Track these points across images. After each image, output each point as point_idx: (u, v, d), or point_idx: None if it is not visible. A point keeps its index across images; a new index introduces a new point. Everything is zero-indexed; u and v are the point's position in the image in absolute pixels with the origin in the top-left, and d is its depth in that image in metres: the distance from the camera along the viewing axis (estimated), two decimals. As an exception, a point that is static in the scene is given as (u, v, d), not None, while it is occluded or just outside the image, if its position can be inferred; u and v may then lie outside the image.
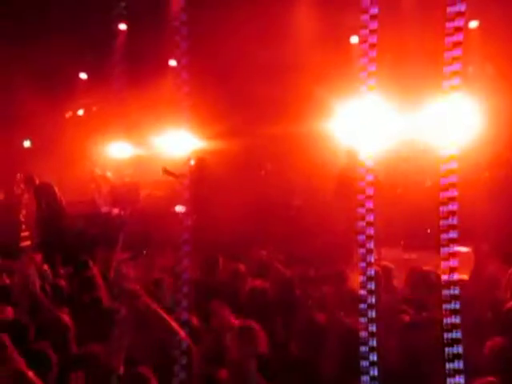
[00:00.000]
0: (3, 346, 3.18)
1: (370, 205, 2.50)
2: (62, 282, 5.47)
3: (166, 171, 9.38)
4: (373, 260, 2.50)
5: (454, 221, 2.25)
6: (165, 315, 3.49)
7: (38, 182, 9.50)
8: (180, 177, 8.93)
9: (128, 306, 3.58)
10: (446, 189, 2.30)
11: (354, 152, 8.05)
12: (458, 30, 2.42)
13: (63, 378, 3.41)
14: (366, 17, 2.63)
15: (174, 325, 3.43)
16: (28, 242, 9.36)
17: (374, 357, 2.36)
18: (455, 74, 2.40)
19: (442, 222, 2.27)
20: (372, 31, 2.62)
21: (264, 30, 10.61)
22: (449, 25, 2.41)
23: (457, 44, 2.41)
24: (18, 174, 11.11)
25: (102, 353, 3.39)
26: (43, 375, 3.31)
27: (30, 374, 3.14)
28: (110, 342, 3.44)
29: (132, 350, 3.44)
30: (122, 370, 3.37)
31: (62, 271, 6.14)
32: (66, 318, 4.07)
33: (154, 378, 3.21)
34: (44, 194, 9.23)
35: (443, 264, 2.25)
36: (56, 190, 9.46)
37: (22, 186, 10.52)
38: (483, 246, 5.23)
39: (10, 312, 4.65)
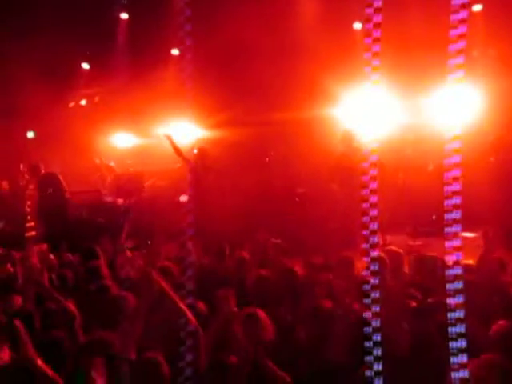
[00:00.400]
0: (18, 332, 3.20)
1: (373, 186, 2.50)
2: (68, 272, 5.49)
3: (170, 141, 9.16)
4: (376, 241, 2.50)
5: (458, 200, 2.24)
6: (177, 298, 3.51)
7: (43, 171, 9.53)
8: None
9: (143, 289, 3.60)
10: (450, 169, 2.29)
11: (349, 134, 7.99)
12: (462, 22, 2.41)
13: (74, 365, 3.43)
14: (370, 10, 2.62)
15: (184, 308, 3.45)
16: (33, 233, 9.38)
17: (377, 337, 2.37)
18: (459, 66, 2.39)
19: (446, 202, 2.26)
20: (376, 24, 2.61)
21: (267, 16, 10.55)
22: (453, 17, 2.40)
23: (461, 36, 2.40)
24: (22, 165, 11.13)
25: (113, 339, 3.40)
26: (55, 363, 3.33)
27: (39, 361, 3.16)
28: (121, 328, 3.46)
29: (144, 336, 3.46)
30: (133, 355, 3.39)
31: (67, 260, 6.15)
32: (72, 307, 4.08)
33: (165, 363, 3.23)
34: (49, 183, 9.27)
35: (447, 244, 2.25)
36: (61, 179, 9.50)
37: (26, 176, 10.55)
38: (490, 231, 5.21)
39: (18, 300, 4.69)
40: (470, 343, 2.20)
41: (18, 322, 3.25)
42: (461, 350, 2.21)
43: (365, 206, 2.59)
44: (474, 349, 2.29)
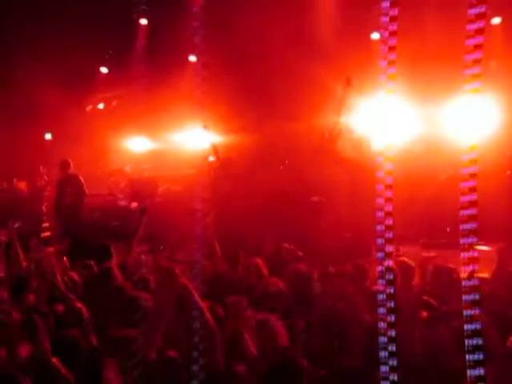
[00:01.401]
0: (36, 328, 3.24)
1: (389, 194, 2.49)
2: (77, 274, 5.54)
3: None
4: (391, 250, 2.48)
5: (473, 211, 2.23)
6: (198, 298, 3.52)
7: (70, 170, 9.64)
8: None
9: (163, 287, 3.61)
10: (466, 179, 2.28)
11: (360, 142, 8.07)
12: (478, 32, 2.39)
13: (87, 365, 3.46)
14: (385, 18, 2.62)
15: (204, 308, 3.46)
16: (48, 233, 9.49)
17: (392, 347, 2.35)
18: (476, 76, 2.38)
19: (461, 212, 2.24)
20: (392, 33, 2.61)
21: (284, 24, 10.58)
22: (469, 27, 2.39)
23: (478, 47, 2.38)
24: (42, 167, 11.27)
25: (134, 338, 3.42)
26: (72, 362, 3.36)
27: (55, 360, 3.19)
28: (140, 327, 3.47)
29: (164, 336, 3.47)
30: (153, 355, 3.40)
31: (80, 263, 6.20)
32: (82, 307, 4.12)
33: (183, 363, 3.23)
34: (70, 184, 9.38)
35: (463, 255, 2.23)
36: (82, 181, 9.62)
37: (45, 177, 10.68)
38: (506, 245, 5.16)
39: (31, 299, 4.74)
40: (486, 355, 2.17)
41: (36, 318, 3.28)
42: (478, 363, 2.18)
43: (380, 214, 2.58)
44: (490, 361, 2.27)
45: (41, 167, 11.16)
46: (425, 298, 4.26)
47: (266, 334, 3.58)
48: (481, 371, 2.13)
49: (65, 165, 9.68)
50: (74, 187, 9.40)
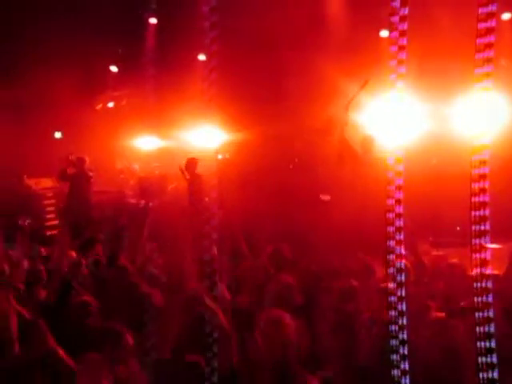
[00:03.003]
0: (40, 329, 3.26)
1: (399, 195, 2.48)
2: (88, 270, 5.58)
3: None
4: (402, 252, 2.47)
5: (485, 212, 2.21)
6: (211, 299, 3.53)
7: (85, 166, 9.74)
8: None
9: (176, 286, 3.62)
10: (477, 180, 2.26)
11: (369, 140, 8.09)
12: (489, 31, 2.37)
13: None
14: (395, 18, 2.60)
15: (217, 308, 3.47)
16: (57, 230, 9.54)
17: (404, 350, 2.34)
18: (487, 75, 2.36)
19: (473, 214, 2.23)
20: (402, 32, 2.59)
21: (292, 24, 10.57)
22: (480, 25, 2.37)
23: (489, 45, 2.36)
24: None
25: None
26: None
27: (61, 352, 3.21)
28: (154, 326, 3.49)
29: (178, 335, 3.49)
30: (168, 355, 3.42)
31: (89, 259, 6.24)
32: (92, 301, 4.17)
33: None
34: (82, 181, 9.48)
35: (474, 256, 2.22)
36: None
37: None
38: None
39: (43, 294, 4.79)
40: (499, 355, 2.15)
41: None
42: (490, 366, 2.16)
43: (390, 216, 2.57)
44: (503, 362, 2.25)
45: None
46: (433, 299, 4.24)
47: (279, 331, 3.55)
48: (494, 374, 2.11)
49: (81, 161, 9.78)
50: (84, 185, 9.52)
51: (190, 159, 10.00)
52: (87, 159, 9.97)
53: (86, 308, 4.07)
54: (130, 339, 3.42)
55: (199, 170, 10.22)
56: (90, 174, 9.93)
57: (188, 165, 9.93)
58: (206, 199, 9.09)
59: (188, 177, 9.82)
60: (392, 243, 2.46)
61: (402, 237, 2.45)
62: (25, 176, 11.55)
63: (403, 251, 2.47)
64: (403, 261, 2.48)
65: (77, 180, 9.72)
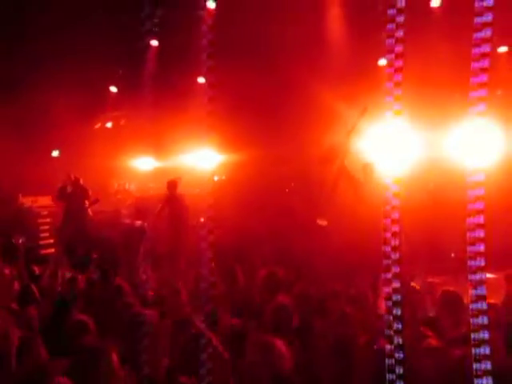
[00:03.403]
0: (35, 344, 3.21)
1: (395, 216, 2.49)
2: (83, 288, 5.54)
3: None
4: (398, 272, 2.47)
5: (481, 234, 2.22)
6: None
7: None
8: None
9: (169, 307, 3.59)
10: (472, 201, 2.27)
11: (371, 167, 8.14)
12: (484, 55, 2.42)
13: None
14: (391, 40, 2.64)
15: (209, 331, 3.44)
16: (52, 250, 9.49)
17: (400, 370, 2.32)
18: (481, 99, 2.39)
19: (468, 235, 2.24)
20: (398, 55, 2.63)
21: (293, 49, 10.71)
22: (475, 50, 2.41)
23: (483, 70, 2.40)
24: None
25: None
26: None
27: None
28: (147, 345, 3.46)
29: (170, 356, 3.45)
30: (162, 375, 3.38)
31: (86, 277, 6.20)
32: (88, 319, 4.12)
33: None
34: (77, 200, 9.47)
35: (470, 277, 2.22)
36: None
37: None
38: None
39: (34, 312, 4.74)
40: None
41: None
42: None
43: (386, 235, 2.58)
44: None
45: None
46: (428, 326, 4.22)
47: (270, 357, 3.51)
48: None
49: (77, 181, 9.79)
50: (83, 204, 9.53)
51: (171, 180, 10.13)
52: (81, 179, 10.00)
53: (82, 327, 4.03)
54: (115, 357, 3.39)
55: (189, 190, 10.31)
56: (88, 191, 9.89)
57: (169, 186, 10.04)
58: (201, 219, 9.10)
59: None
60: (388, 262, 2.47)
61: (397, 256, 2.45)
62: (20, 194, 11.53)
63: (398, 270, 2.47)
64: (398, 282, 2.47)
65: (74, 199, 9.70)
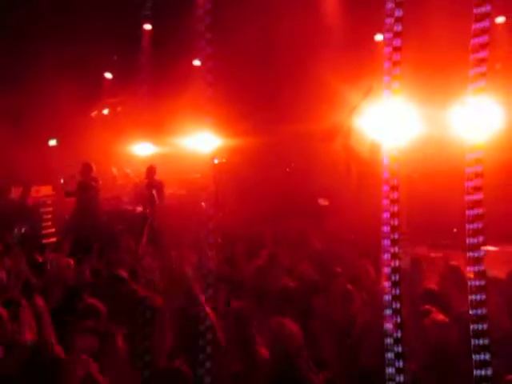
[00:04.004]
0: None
1: (394, 195, 2.48)
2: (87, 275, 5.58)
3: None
4: (398, 251, 2.47)
5: (479, 211, 2.21)
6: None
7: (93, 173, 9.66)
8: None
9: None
10: (471, 178, 2.26)
11: (377, 144, 8.08)
12: (484, 31, 2.39)
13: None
14: (390, 20, 2.61)
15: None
16: (53, 239, 9.51)
17: (399, 349, 2.33)
18: (481, 75, 2.37)
19: (467, 212, 2.23)
20: (396, 34, 2.60)
21: (287, 29, 10.60)
22: (475, 26, 2.39)
23: (483, 46, 2.38)
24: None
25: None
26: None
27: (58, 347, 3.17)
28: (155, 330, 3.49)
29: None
30: (163, 363, 3.41)
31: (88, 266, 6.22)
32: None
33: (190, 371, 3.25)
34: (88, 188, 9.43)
35: (469, 254, 2.22)
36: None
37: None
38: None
39: (40, 302, 4.75)
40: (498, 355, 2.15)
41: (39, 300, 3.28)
42: (484, 363, 2.16)
43: (385, 215, 2.57)
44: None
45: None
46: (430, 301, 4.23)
47: (281, 336, 3.55)
48: (487, 372, 2.11)
49: (86, 168, 9.59)
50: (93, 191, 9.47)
51: (149, 166, 10.19)
52: (94, 166, 9.73)
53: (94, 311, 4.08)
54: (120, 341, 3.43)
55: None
56: (95, 184, 9.65)
57: (148, 172, 10.10)
58: (203, 204, 9.12)
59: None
60: (387, 242, 2.46)
61: (396, 236, 2.45)
62: (12, 187, 11.50)
63: (398, 250, 2.47)
64: (397, 260, 2.48)
65: (82, 193, 9.47)
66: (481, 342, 2.13)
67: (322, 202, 10.30)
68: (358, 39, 10.65)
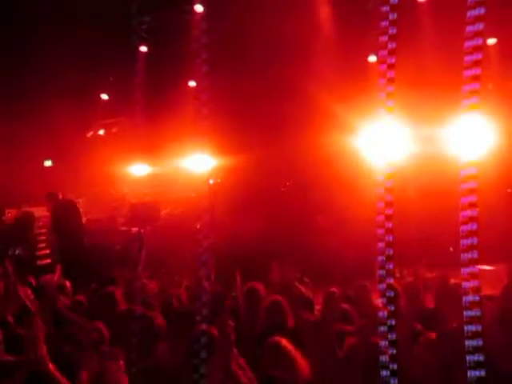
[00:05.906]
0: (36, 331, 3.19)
1: (389, 212, 2.48)
2: (82, 298, 5.51)
3: None
4: (392, 268, 2.46)
5: (474, 226, 2.22)
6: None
7: (60, 198, 9.58)
8: None
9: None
10: (465, 194, 2.27)
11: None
12: (476, 49, 2.42)
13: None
14: (384, 37, 2.64)
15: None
16: (48, 260, 9.44)
17: (393, 366, 2.31)
18: (474, 92, 2.40)
19: (462, 228, 2.24)
20: (391, 51, 2.63)
21: (283, 49, 10.71)
22: (468, 44, 2.42)
23: (476, 63, 2.41)
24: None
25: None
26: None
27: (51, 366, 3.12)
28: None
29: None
30: None
31: (83, 288, 6.16)
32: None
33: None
34: (65, 209, 9.33)
35: (463, 270, 2.21)
36: (78, 207, 9.59)
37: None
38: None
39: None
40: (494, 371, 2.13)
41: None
42: (479, 380, 2.15)
43: (380, 231, 2.58)
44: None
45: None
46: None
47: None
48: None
49: (51, 196, 9.55)
50: (70, 213, 9.36)
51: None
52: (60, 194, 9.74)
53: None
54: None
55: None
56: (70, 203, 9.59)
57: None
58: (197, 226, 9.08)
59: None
60: (382, 259, 2.46)
61: (391, 252, 2.45)
62: (6, 210, 11.44)
63: (392, 266, 2.46)
64: (392, 278, 2.47)
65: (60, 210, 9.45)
66: (476, 358, 2.12)
67: (320, 220, 10.30)
68: (351, 60, 10.76)
